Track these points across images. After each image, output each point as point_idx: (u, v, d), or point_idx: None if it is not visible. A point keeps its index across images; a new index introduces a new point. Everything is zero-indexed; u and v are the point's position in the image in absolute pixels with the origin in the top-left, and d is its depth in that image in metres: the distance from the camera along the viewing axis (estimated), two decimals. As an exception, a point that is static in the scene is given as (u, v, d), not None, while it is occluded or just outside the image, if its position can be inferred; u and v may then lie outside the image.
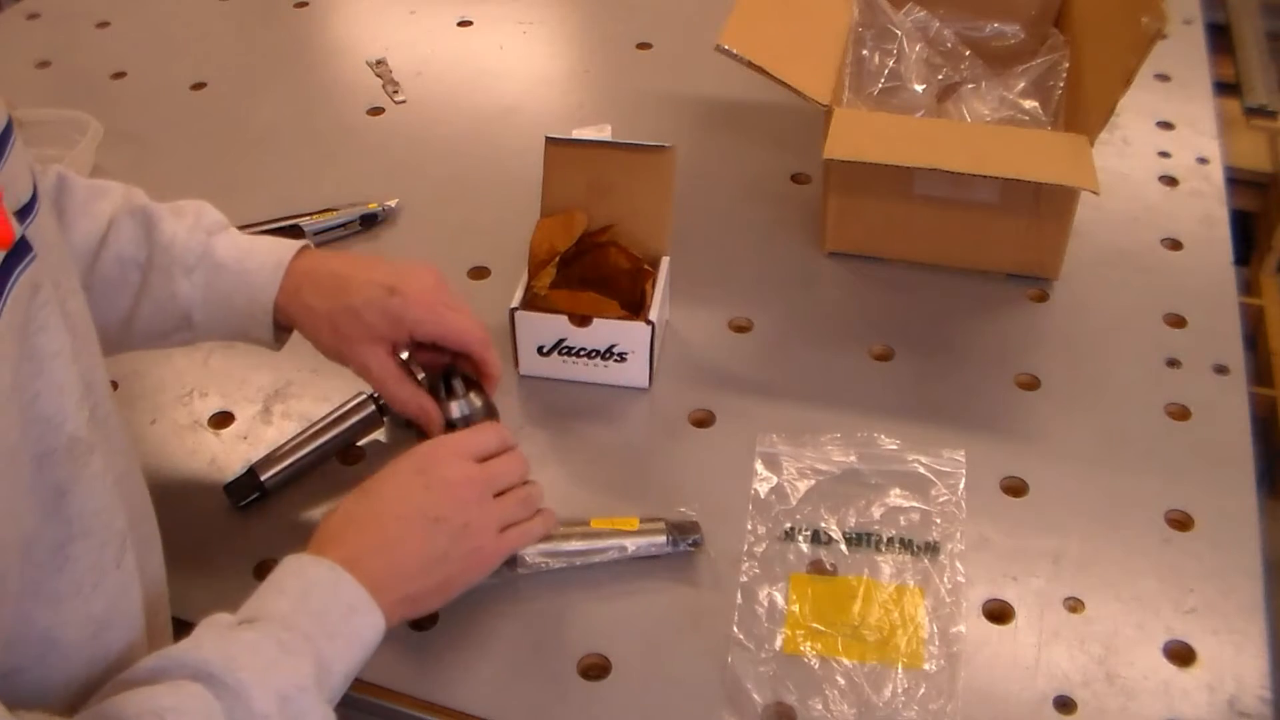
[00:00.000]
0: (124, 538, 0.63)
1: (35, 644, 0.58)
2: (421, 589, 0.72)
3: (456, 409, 0.85)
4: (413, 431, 0.88)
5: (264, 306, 0.83)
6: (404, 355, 0.84)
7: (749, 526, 0.86)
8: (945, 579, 0.82)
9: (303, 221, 1.12)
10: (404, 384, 0.84)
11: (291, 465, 0.90)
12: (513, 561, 0.82)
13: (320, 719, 0.61)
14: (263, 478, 0.88)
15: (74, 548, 0.59)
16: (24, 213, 0.57)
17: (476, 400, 0.86)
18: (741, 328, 1.04)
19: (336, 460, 0.92)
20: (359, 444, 0.93)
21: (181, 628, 0.72)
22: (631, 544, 0.83)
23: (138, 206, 0.83)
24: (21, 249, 0.55)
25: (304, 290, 0.83)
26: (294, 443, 0.91)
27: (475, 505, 0.75)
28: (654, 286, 0.96)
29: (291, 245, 0.85)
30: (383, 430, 0.94)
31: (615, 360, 0.96)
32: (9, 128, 0.58)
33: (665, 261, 0.98)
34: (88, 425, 0.59)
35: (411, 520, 0.72)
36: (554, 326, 0.95)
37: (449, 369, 0.86)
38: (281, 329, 0.85)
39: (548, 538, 0.82)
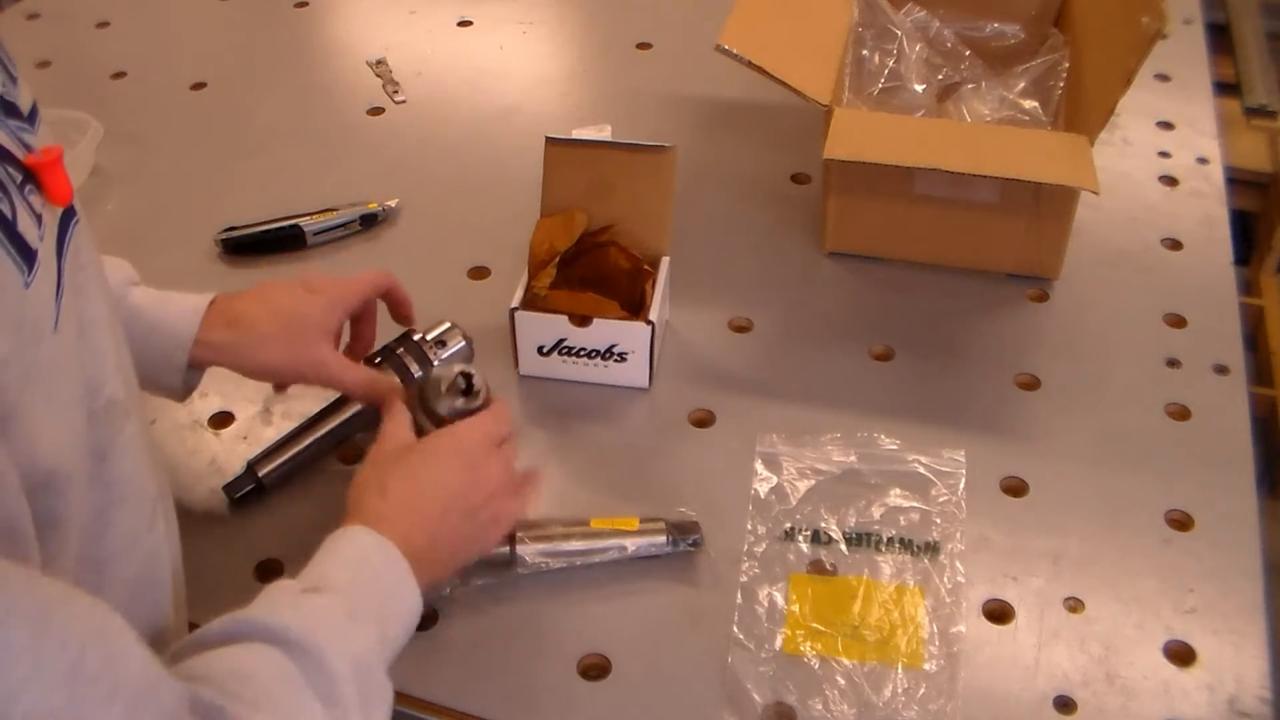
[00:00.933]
0: (155, 502, 0.64)
1: None
2: (444, 572, 0.74)
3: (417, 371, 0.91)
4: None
5: (182, 345, 0.82)
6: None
7: (749, 526, 0.86)
8: (945, 579, 0.82)
9: (303, 221, 1.12)
10: (358, 367, 0.87)
11: (288, 460, 0.90)
12: (513, 561, 0.82)
13: (385, 687, 0.62)
14: (260, 474, 0.88)
15: (114, 513, 0.59)
16: None
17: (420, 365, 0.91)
18: (741, 328, 1.04)
19: (336, 460, 0.92)
20: (357, 440, 0.93)
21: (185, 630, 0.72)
22: (631, 544, 0.83)
23: None
24: (70, 210, 0.56)
25: (240, 322, 0.84)
26: (289, 436, 0.91)
27: (502, 493, 0.76)
28: (654, 286, 0.96)
29: (204, 295, 0.85)
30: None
31: (615, 360, 0.96)
32: (34, 109, 0.59)
33: (665, 261, 0.98)
34: (124, 389, 0.60)
35: (450, 510, 0.73)
36: (554, 326, 0.95)
37: (385, 350, 0.91)
38: (194, 371, 0.84)
39: (548, 538, 0.82)
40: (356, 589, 0.65)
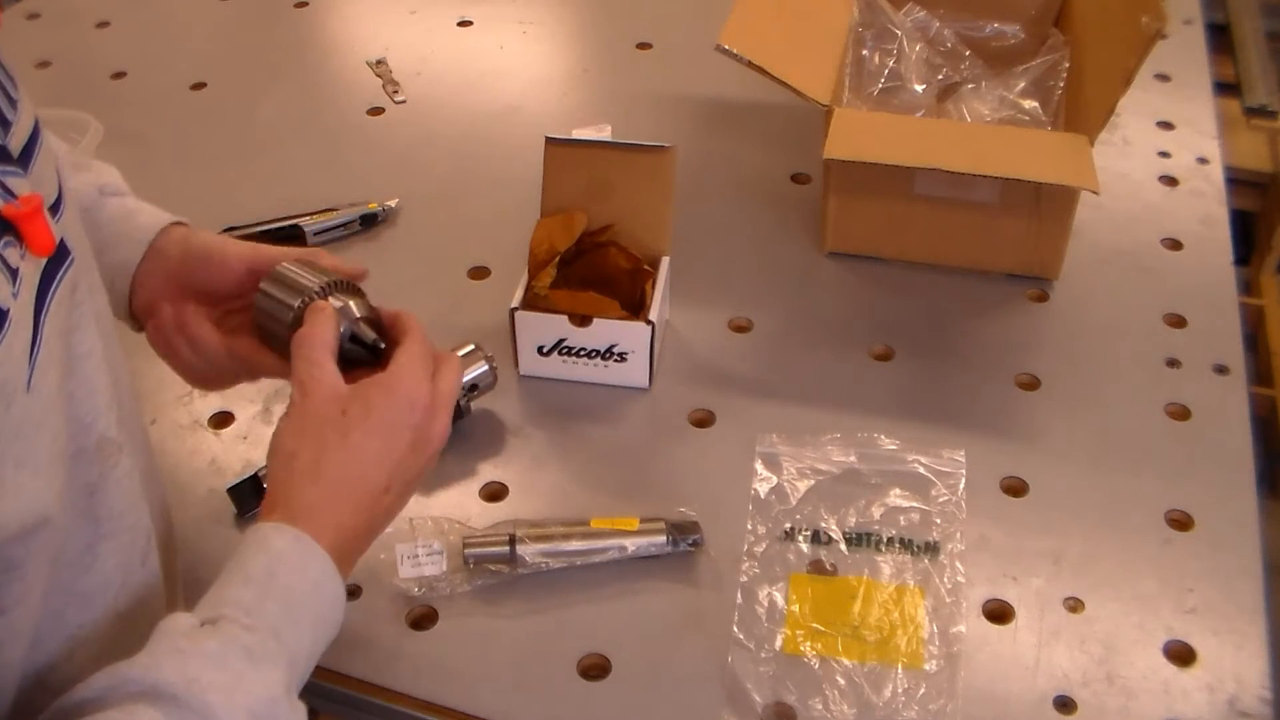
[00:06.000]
0: (149, 536, 0.63)
1: (64, 642, 0.58)
2: (373, 541, 0.66)
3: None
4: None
5: (126, 270, 0.75)
6: None
7: (749, 526, 0.86)
8: (945, 579, 0.82)
9: (303, 221, 1.12)
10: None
11: None
12: (513, 561, 0.82)
13: (293, 716, 0.57)
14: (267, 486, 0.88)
15: (103, 546, 0.59)
16: (53, 210, 0.57)
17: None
18: (741, 328, 1.04)
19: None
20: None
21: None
22: (631, 544, 0.83)
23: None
24: (62, 253, 0.54)
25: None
26: None
27: (441, 435, 0.69)
28: (654, 286, 0.96)
29: (165, 216, 0.77)
30: None
31: (615, 360, 0.96)
32: (37, 126, 0.58)
33: (665, 261, 0.98)
34: (117, 425, 0.59)
35: (392, 484, 0.65)
36: (554, 326, 0.95)
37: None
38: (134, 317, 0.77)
39: (548, 538, 0.82)
40: (260, 614, 0.57)
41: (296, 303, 0.70)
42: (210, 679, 0.53)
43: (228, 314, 0.77)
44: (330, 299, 0.70)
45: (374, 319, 0.72)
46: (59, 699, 0.53)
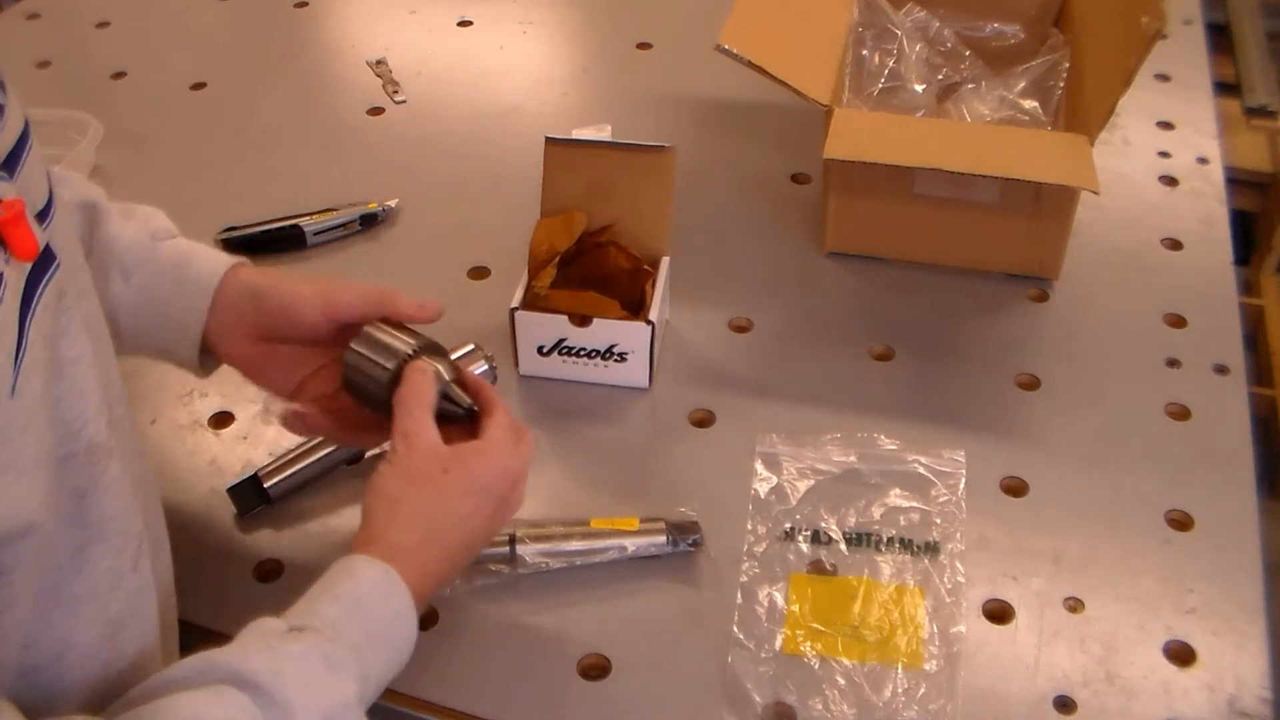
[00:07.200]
0: (140, 542, 0.63)
1: (53, 644, 0.58)
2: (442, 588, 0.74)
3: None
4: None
5: (198, 316, 0.78)
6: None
7: (749, 526, 0.86)
8: (945, 579, 0.82)
9: (303, 221, 1.12)
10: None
11: (296, 474, 0.89)
12: (513, 561, 0.82)
13: None
14: (266, 485, 0.88)
15: (92, 551, 0.59)
16: (42, 215, 0.57)
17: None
18: (741, 328, 1.04)
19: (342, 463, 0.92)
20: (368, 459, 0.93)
21: (183, 629, 0.72)
22: (631, 544, 0.83)
23: (88, 201, 0.80)
24: (47, 258, 0.55)
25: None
26: (300, 451, 0.90)
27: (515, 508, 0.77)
28: (654, 286, 0.96)
29: (224, 259, 0.80)
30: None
31: (615, 360, 0.96)
32: (26, 130, 0.58)
33: (665, 261, 0.98)
34: (106, 430, 0.59)
35: (474, 544, 0.73)
36: (554, 326, 0.95)
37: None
38: (208, 354, 0.81)
39: (548, 538, 0.82)
40: (343, 630, 0.63)
41: (392, 365, 0.76)
42: (293, 675, 0.58)
43: (310, 356, 0.82)
44: (422, 360, 0.76)
45: (461, 380, 0.77)
46: (150, 678, 0.57)
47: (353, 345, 0.77)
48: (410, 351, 0.76)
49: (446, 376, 0.76)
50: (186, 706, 0.55)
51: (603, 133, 1.24)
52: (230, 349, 0.80)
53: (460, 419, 0.76)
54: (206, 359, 0.81)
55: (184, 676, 0.57)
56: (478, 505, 0.72)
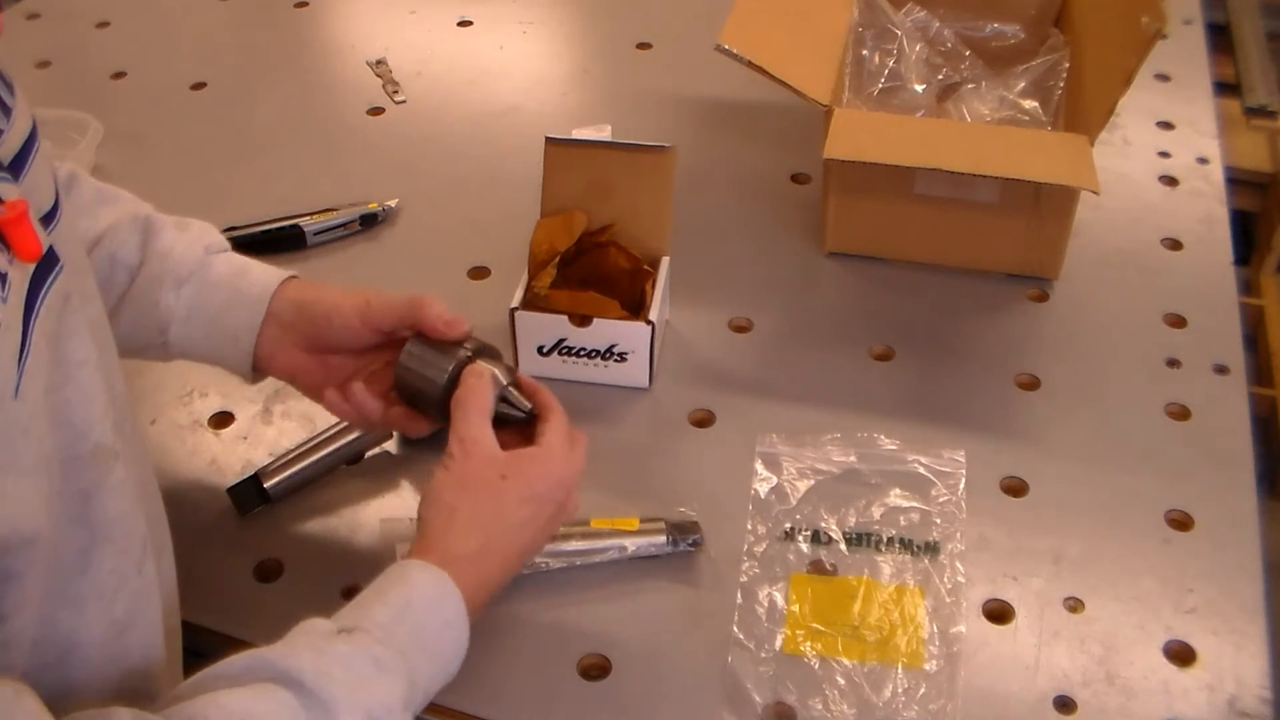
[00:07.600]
0: (145, 544, 0.63)
1: (58, 644, 0.58)
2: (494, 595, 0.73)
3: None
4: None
5: (251, 328, 0.80)
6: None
7: (749, 526, 0.86)
8: (945, 579, 0.82)
9: (303, 221, 1.12)
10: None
11: (297, 474, 0.89)
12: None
13: None
14: (267, 485, 0.88)
15: (97, 552, 0.59)
16: (47, 219, 0.58)
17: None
18: (741, 328, 1.04)
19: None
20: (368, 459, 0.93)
21: (184, 629, 0.72)
22: (631, 544, 0.83)
23: (141, 215, 0.82)
24: (51, 260, 0.55)
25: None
26: (300, 451, 0.90)
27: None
28: (654, 286, 0.96)
29: (278, 273, 0.82)
30: (392, 442, 0.94)
31: (615, 360, 0.96)
32: (33, 133, 0.58)
33: (665, 261, 0.98)
34: (112, 432, 0.59)
35: (528, 551, 0.74)
36: (554, 326, 0.95)
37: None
38: (258, 368, 0.82)
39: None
40: (393, 634, 0.63)
41: (450, 368, 0.76)
42: (339, 675, 0.59)
43: (359, 366, 0.82)
44: (479, 363, 0.76)
45: (517, 382, 0.77)
46: (200, 673, 0.58)
47: (408, 348, 0.77)
48: (467, 355, 0.76)
49: (504, 380, 0.76)
50: (232, 702, 0.56)
51: (603, 133, 1.24)
52: (284, 360, 0.81)
53: (519, 422, 0.76)
54: (255, 369, 0.82)
55: (231, 673, 0.58)
56: (534, 513, 0.72)
